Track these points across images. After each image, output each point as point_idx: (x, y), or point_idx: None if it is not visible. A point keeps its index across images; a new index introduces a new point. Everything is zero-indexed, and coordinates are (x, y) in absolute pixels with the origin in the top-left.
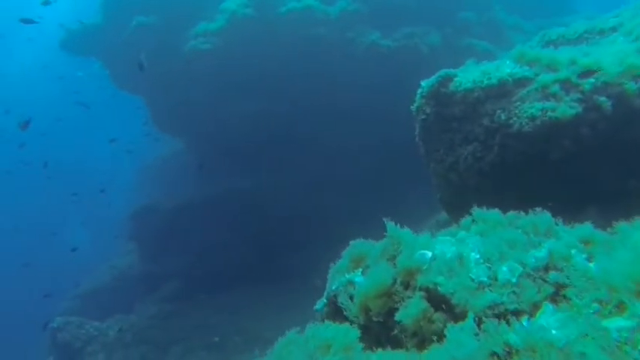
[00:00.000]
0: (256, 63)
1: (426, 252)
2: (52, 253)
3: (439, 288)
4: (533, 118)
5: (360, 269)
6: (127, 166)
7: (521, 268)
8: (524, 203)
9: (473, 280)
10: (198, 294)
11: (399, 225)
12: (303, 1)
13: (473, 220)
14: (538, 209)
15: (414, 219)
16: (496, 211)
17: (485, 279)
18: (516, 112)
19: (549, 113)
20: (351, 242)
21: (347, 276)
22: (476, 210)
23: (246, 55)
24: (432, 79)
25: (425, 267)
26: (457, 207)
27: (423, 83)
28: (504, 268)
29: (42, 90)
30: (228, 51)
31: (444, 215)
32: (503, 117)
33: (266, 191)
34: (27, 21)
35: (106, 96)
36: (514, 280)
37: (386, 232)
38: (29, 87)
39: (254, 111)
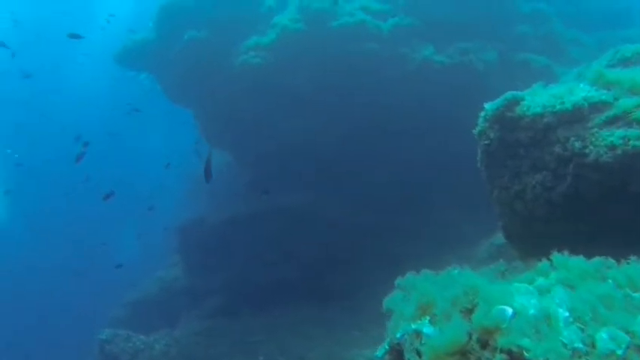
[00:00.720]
0: (307, 78)
1: (506, 308)
2: (104, 264)
3: (525, 353)
4: (612, 147)
5: (428, 317)
6: (176, 179)
7: (628, 338)
8: (598, 238)
9: (565, 345)
10: (242, 311)
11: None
12: (356, 16)
13: (552, 266)
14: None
15: (467, 241)
16: (580, 257)
17: (580, 345)
18: (593, 140)
19: (632, 142)
20: (411, 277)
21: (413, 325)
22: (556, 255)
23: (296, 70)
24: (498, 102)
25: (505, 325)
26: (522, 237)
27: (487, 106)
28: (604, 335)
29: (97, 103)
30: (278, 65)
31: (499, 239)
32: (577, 145)
33: (314, 208)
34: (74, 36)
35: (158, 110)
36: (620, 352)
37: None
38: (85, 100)
39: (303, 126)
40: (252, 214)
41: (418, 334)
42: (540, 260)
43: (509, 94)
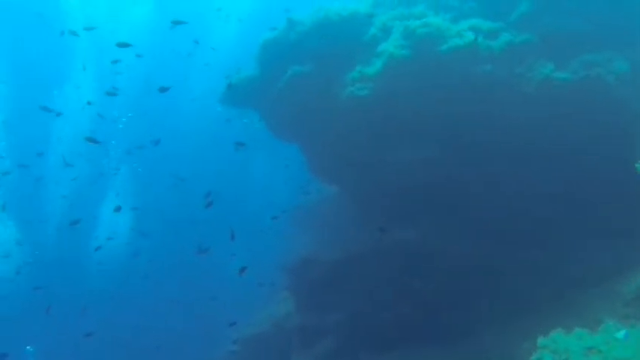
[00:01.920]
0: (416, 107)
1: None
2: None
3: None
4: None
5: None
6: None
7: None
8: None
9: None
10: (357, 353)
11: None
12: (466, 37)
13: None
14: None
15: (605, 275)
16: None
17: None
18: None
19: None
20: (560, 337)
21: None
22: None
23: (405, 99)
24: None
25: None
26: None
27: None
28: None
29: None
30: (386, 95)
31: None
32: None
33: (432, 242)
34: (122, 45)
35: (263, 146)
36: None
37: None
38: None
39: (414, 158)
40: (365, 251)
41: None
42: None
43: None
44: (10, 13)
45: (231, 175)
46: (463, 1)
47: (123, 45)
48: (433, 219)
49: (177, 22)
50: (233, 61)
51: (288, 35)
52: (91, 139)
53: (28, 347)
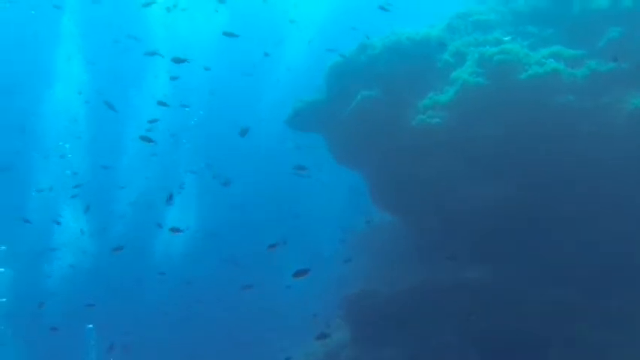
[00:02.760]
0: (490, 138)
1: None
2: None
3: None
4: None
5: None
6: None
7: None
8: None
9: None
10: None
11: None
12: (547, 65)
13: None
14: None
15: None
16: None
17: None
18: None
19: None
20: None
21: None
22: None
23: (478, 130)
24: None
25: None
26: None
27: None
28: None
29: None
30: (458, 125)
31: None
32: None
33: (502, 283)
34: (178, 60)
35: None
36: None
37: None
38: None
39: (485, 191)
40: (428, 286)
41: None
42: None
43: None
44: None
45: (290, 200)
46: (542, 28)
47: (178, 61)
48: (505, 259)
49: (229, 34)
50: (303, 79)
51: (358, 58)
52: (146, 138)
53: (89, 325)
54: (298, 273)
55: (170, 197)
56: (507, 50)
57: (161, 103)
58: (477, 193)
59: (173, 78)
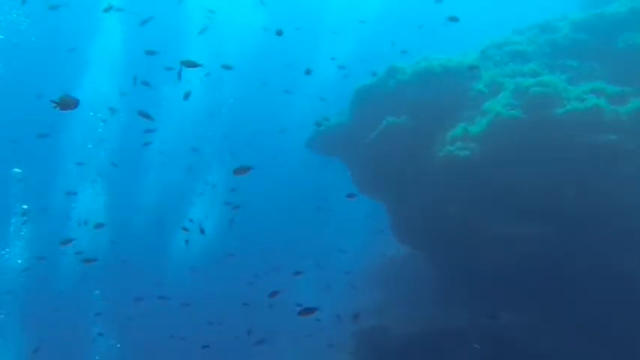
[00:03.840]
0: (524, 176)
1: None
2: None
3: None
4: None
5: None
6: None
7: None
8: None
9: None
10: None
11: None
12: (589, 101)
13: None
14: None
15: None
16: None
17: None
18: None
19: None
20: None
21: None
22: None
23: (511, 166)
24: None
25: None
26: None
27: None
28: None
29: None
30: (490, 159)
31: None
32: None
33: (526, 332)
34: (189, 64)
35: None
36: None
37: None
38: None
39: (518, 233)
40: (445, 331)
41: None
42: None
43: None
44: None
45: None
46: (583, 61)
47: (190, 64)
48: (532, 305)
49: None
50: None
51: (386, 83)
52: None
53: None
54: (305, 311)
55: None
56: (546, 83)
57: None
58: (504, 235)
59: (186, 96)
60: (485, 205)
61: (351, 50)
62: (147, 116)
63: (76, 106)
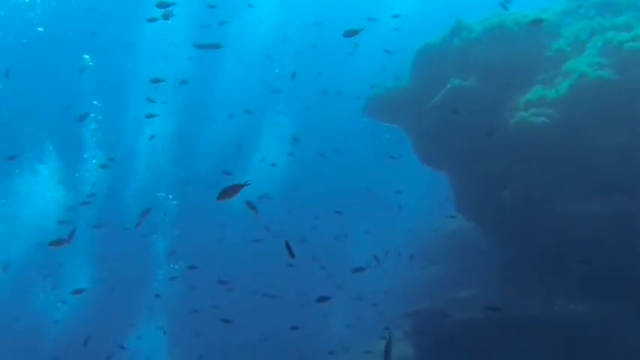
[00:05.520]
0: (609, 146)
1: None
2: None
3: None
4: None
5: None
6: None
7: None
8: None
9: None
10: None
11: None
12: None
13: None
14: None
15: None
16: None
17: None
18: None
19: None
20: None
21: None
22: None
23: (596, 135)
24: None
25: None
26: None
27: None
28: None
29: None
30: (571, 127)
31: None
32: None
33: (601, 321)
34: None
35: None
36: None
37: None
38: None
39: (599, 211)
40: (510, 316)
41: None
42: None
43: None
44: None
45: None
46: None
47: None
48: (609, 293)
49: None
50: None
51: (451, 42)
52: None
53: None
54: (321, 299)
55: None
56: None
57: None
58: (583, 212)
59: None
60: (563, 179)
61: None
62: None
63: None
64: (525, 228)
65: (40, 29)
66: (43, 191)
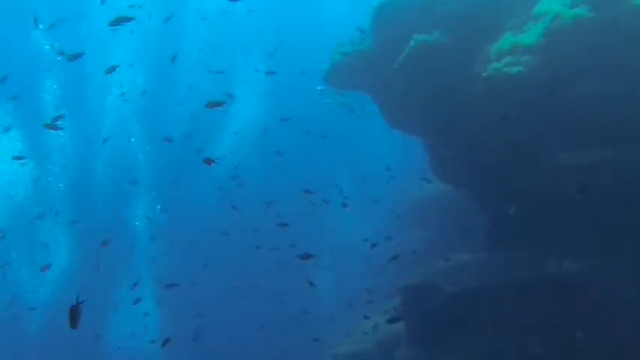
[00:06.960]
0: (589, 92)
1: None
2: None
3: None
4: None
5: None
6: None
7: None
8: None
9: None
10: None
11: None
12: None
13: None
14: None
15: None
16: None
17: None
18: None
19: None
20: None
21: None
22: None
23: (574, 81)
24: None
25: None
26: None
27: None
28: None
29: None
30: (548, 75)
31: None
32: None
33: (602, 284)
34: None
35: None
36: None
37: None
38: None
39: (585, 163)
40: (503, 282)
41: None
42: None
43: None
44: None
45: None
46: None
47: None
48: (604, 252)
49: None
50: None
51: None
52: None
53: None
54: (304, 256)
55: None
56: None
57: None
58: (568, 165)
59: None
60: (546, 130)
61: None
62: None
63: None
64: (511, 186)
65: None
66: None
